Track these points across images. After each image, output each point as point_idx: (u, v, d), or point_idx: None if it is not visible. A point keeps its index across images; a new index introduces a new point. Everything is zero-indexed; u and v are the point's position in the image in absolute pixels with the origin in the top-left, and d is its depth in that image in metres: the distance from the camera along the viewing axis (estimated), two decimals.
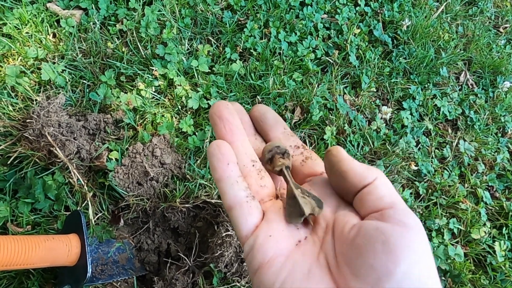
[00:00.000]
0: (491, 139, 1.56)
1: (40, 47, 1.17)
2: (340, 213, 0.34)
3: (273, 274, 0.32)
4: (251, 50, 1.42)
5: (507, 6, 2.11)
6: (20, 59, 1.14)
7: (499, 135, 1.61)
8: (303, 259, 0.33)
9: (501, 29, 1.97)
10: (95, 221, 0.97)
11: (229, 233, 0.95)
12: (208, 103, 1.22)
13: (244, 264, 0.95)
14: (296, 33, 1.53)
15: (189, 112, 1.22)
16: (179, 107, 1.22)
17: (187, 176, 1.07)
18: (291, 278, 0.31)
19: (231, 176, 0.36)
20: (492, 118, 1.61)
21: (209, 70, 1.33)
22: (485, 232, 1.32)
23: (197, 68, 1.30)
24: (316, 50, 1.51)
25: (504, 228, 1.36)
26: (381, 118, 1.44)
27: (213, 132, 0.32)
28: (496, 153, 1.53)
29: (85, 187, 0.98)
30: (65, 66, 1.17)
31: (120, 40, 1.29)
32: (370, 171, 0.33)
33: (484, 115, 1.59)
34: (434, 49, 1.68)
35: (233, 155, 0.37)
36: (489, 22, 1.99)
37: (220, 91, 1.29)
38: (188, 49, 1.38)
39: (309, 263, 0.32)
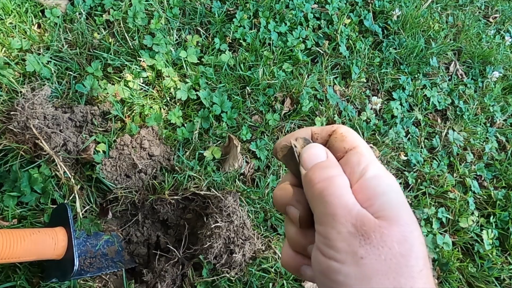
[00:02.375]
0: (480, 129, 1.57)
1: (24, 38, 1.15)
2: None
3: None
4: (240, 41, 1.41)
5: None
6: (4, 50, 1.11)
7: (488, 125, 1.63)
8: None
9: (490, 19, 1.97)
10: (82, 214, 0.96)
11: (218, 224, 0.95)
12: (196, 94, 1.21)
13: (234, 255, 0.95)
14: (286, 23, 1.51)
15: (177, 104, 1.21)
16: (168, 98, 1.21)
17: (176, 168, 1.07)
18: None
19: None
20: (481, 108, 1.62)
21: (198, 61, 1.32)
22: (473, 221, 1.34)
23: (185, 59, 1.28)
24: (306, 41, 1.50)
25: (491, 217, 1.38)
26: (371, 109, 1.44)
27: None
28: (484, 142, 1.54)
29: (72, 180, 0.97)
30: (51, 57, 1.15)
31: (107, 31, 1.27)
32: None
33: (473, 105, 1.60)
34: (424, 39, 1.67)
35: None
36: (479, 12, 1.99)
37: (209, 82, 1.28)
38: (176, 40, 1.36)
39: None
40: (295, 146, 0.37)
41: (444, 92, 1.60)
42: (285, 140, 0.39)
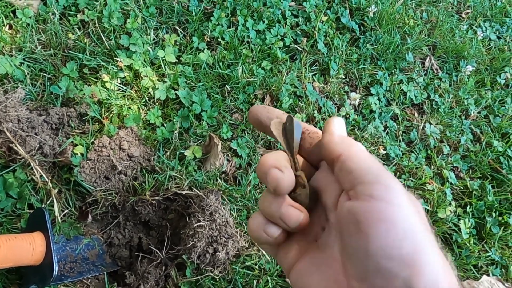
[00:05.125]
0: (455, 122, 1.61)
1: None
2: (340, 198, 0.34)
3: (294, 280, 0.35)
4: (218, 39, 1.40)
5: None
6: None
7: (463, 117, 1.67)
8: (316, 253, 0.34)
9: (463, 15, 2.02)
10: (61, 218, 0.94)
11: (200, 223, 0.95)
12: (176, 94, 1.20)
13: (217, 253, 0.95)
14: (264, 21, 1.52)
15: (156, 104, 1.20)
16: (146, 98, 1.20)
17: (157, 168, 1.06)
18: (306, 275, 0.34)
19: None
20: (456, 101, 1.67)
21: (177, 60, 1.31)
22: (450, 211, 1.37)
23: (163, 58, 1.27)
24: (285, 38, 1.51)
25: (468, 207, 1.42)
26: (350, 104, 1.46)
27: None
28: (460, 135, 1.58)
29: (49, 183, 0.95)
30: (24, 59, 1.12)
31: (82, 31, 1.24)
32: (337, 146, 0.33)
33: (448, 98, 1.64)
34: (400, 35, 1.71)
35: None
36: (452, 8, 2.04)
37: (188, 81, 1.27)
38: (154, 39, 1.35)
39: (321, 254, 0.34)
40: (287, 123, 0.37)
41: (420, 87, 1.64)
42: (273, 115, 0.39)
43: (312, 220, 0.36)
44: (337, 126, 0.36)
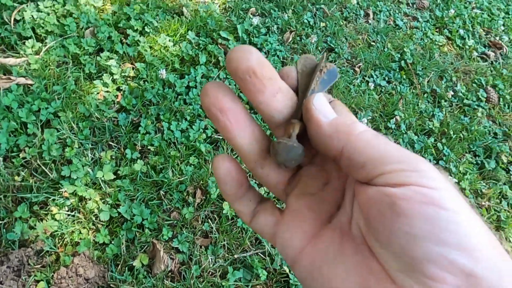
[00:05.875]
0: None
1: None
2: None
3: (305, 269, 0.29)
4: (148, 147, 1.64)
5: (359, 44, 2.56)
6: None
7: None
8: (333, 235, 0.30)
9: (356, 68, 2.40)
10: None
11: None
12: (118, 211, 1.41)
13: None
14: (186, 119, 1.77)
15: (103, 223, 1.40)
16: (93, 218, 1.40)
17: (111, 285, 1.26)
18: (324, 263, 0.28)
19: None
20: None
21: (115, 176, 1.52)
22: None
23: (103, 178, 1.48)
24: (206, 130, 1.77)
25: None
26: None
27: (215, 126, 0.30)
28: None
29: None
30: None
31: (26, 171, 1.43)
32: (333, 140, 0.28)
33: None
34: None
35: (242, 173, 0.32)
36: (347, 64, 2.41)
37: (128, 193, 1.49)
38: (92, 159, 1.56)
39: (339, 238, 0.29)
40: (322, 64, 0.32)
41: None
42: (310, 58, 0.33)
43: (323, 195, 0.32)
44: (320, 108, 0.29)
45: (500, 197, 2.07)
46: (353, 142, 0.27)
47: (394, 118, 2.17)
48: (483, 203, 1.99)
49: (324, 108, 0.29)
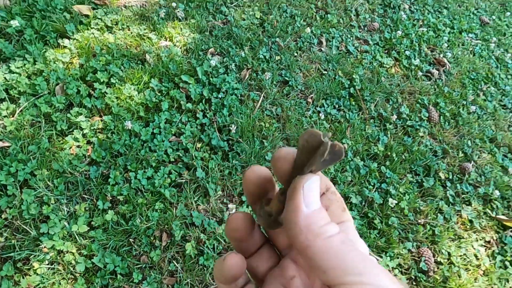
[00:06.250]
0: None
1: None
2: None
3: None
4: (118, 197, 1.85)
5: (312, 74, 2.80)
6: None
7: None
8: None
9: (309, 99, 2.63)
10: None
11: None
12: (92, 262, 1.63)
13: None
14: (151, 166, 1.98)
15: (80, 273, 1.62)
16: (71, 269, 1.61)
17: None
18: None
19: None
20: None
21: (88, 228, 1.73)
22: None
23: (78, 231, 1.69)
24: (170, 175, 1.99)
25: None
26: (229, 215, 1.97)
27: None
28: None
29: None
30: None
31: (8, 230, 1.63)
32: (301, 234, 0.29)
33: None
34: (259, 140, 2.26)
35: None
36: (301, 95, 2.65)
37: (101, 242, 1.70)
38: (68, 212, 1.76)
39: None
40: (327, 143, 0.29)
41: None
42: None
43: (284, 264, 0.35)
44: (307, 194, 0.29)
45: (436, 212, 2.36)
46: (318, 246, 0.27)
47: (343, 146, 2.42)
48: (419, 220, 2.27)
49: (310, 195, 0.29)
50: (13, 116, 1.92)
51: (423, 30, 3.56)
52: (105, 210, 1.80)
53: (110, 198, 1.84)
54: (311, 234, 0.28)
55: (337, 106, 2.67)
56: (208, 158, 2.11)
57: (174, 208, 1.87)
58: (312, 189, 0.30)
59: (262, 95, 2.50)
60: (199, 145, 2.14)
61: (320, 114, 2.54)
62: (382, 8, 3.65)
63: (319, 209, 0.30)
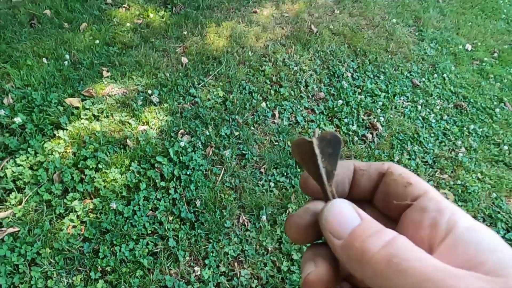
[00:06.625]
0: (259, 257, 2.76)
1: None
2: None
3: None
4: (106, 268, 2.36)
5: (266, 145, 3.40)
6: None
7: (264, 252, 2.82)
8: None
9: (262, 169, 3.23)
10: None
11: None
12: None
13: None
14: (133, 239, 2.51)
15: None
16: None
17: None
18: None
19: None
20: (259, 245, 2.82)
21: None
22: None
23: None
24: (148, 246, 2.52)
25: None
26: (195, 276, 2.51)
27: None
28: (260, 269, 2.73)
29: None
30: None
31: None
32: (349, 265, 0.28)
33: (254, 245, 2.79)
34: (220, 210, 2.82)
35: None
36: (255, 166, 3.24)
37: None
38: (67, 283, 2.26)
39: None
40: (317, 142, 0.30)
41: (236, 242, 2.76)
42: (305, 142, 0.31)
43: None
44: (332, 224, 0.29)
45: None
46: (367, 271, 0.26)
47: (287, 211, 3.03)
48: None
49: (337, 222, 0.28)
50: (20, 204, 2.42)
51: (361, 97, 4.25)
52: (96, 279, 2.31)
53: (100, 269, 2.35)
54: (354, 263, 0.27)
55: (285, 174, 3.27)
56: (179, 228, 2.65)
57: (151, 274, 2.40)
58: (336, 213, 0.29)
59: (223, 168, 3.08)
60: (171, 218, 2.68)
61: (271, 183, 3.13)
62: (328, 77, 4.33)
63: (352, 233, 0.28)
